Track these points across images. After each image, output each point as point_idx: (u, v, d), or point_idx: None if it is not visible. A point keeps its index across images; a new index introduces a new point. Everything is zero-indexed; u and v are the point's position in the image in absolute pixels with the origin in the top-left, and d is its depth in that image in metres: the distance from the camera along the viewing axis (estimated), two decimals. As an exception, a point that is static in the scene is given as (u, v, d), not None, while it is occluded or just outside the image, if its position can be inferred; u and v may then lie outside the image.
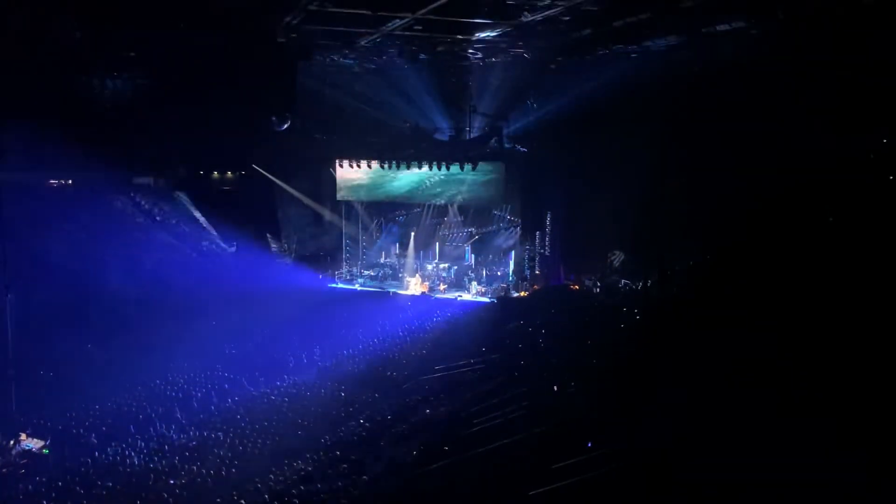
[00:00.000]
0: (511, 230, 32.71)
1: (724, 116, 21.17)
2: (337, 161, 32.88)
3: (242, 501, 12.72)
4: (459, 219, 33.79)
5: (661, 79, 24.08)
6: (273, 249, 33.09)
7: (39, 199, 26.09)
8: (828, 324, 10.68)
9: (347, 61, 27.68)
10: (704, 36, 20.83)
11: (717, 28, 19.99)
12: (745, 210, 18.32)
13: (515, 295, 29.94)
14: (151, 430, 16.15)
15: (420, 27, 21.25)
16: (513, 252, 32.66)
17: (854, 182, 14.25)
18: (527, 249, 31.06)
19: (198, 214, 31.64)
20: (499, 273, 32.68)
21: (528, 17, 19.66)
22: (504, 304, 28.51)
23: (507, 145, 30.70)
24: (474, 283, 31.31)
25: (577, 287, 29.10)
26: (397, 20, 20.25)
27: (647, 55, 23.82)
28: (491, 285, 31.30)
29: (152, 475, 13.88)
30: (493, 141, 30.64)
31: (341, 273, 33.39)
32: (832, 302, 10.97)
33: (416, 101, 30.24)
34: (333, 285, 32.38)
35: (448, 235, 34.15)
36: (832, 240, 13.02)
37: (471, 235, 33.68)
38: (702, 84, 22.81)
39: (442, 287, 31.52)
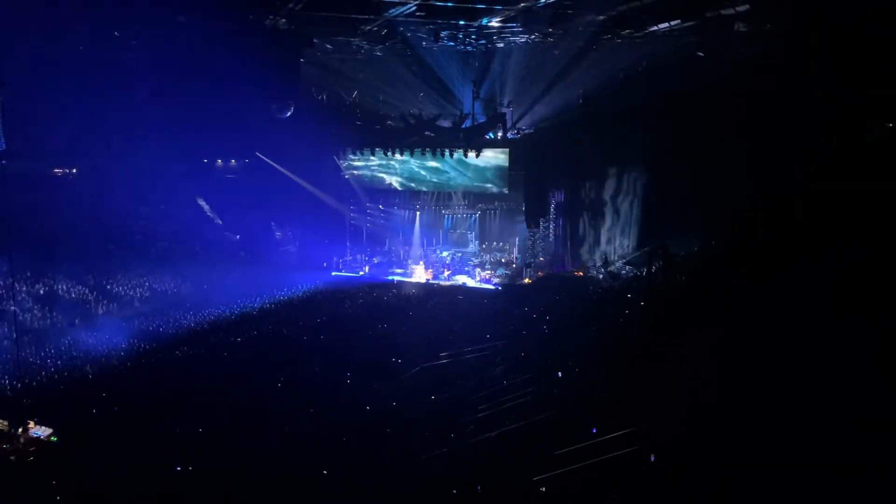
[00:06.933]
0: (515, 210, 32.85)
1: (729, 103, 21.07)
2: (341, 148, 32.91)
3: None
4: (464, 203, 33.88)
5: (666, 65, 23.99)
6: (278, 237, 33.17)
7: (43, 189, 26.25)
8: (831, 312, 10.67)
9: (350, 48, 27.58)
10: (709, 21, 20.73)
11: (722, 13, 19.90)
12: (750, 197, 18.27)
13: (520, 282, 29.95)
14: (159, 418, 16.22)
15: (423, 13, 21.16)
16: (517, 239, 32.70)
17: (858, 170, 14.19)
18: (531, 236, 31.05)
19: (202, 202, 31.68)
20: (503, 260, 32.71)
21: (531, 3, 19.59)
22: (509, 291, 28.53)
23: (511, 132, 30.63)
24: (478, 270, 31.33)
25: (581, 274, 29.13)
26: (400, 6, 20.17)
27: (652, 41, 23.71)
28: (496, 271, 31.31)
29: (159, 464, 13.97)
30: (497, 128, 30.58)
31: (346, 260, 33.41)
32: (836, 290, 10.95)
33: (420, 88, 30.16)
34: (337, 273, 32.39)
35: (452, 218, 34.29)
36: (837, 228, 12.97)
37: (471, 215, 33.89)
38: (707, 71, 22.71)
39: (446, 273, 31.52)
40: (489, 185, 31.64)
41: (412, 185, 33.29)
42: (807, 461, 8.66)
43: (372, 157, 32.64)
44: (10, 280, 20.05)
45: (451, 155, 30.74)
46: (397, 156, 31.78)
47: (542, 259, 31.22)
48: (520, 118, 30.41)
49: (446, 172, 31.98)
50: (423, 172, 32.52)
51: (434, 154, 31.02)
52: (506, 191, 31.92)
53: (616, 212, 29.02)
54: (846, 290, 10.77)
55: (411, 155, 31.51)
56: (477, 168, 31.18)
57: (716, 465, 9.71)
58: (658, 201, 26.60)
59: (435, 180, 32.56)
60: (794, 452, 8.91)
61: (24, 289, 22.76)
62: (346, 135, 32.10)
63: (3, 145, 17.29)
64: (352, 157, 33.15)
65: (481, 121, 30.50)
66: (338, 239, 34.04)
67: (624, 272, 27.64)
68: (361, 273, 32.36)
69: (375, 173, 33.41)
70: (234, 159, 32.84)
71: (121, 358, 19.64)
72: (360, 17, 21.95)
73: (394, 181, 33.40)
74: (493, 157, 30.74)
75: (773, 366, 10.77)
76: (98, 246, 25.98)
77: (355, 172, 33.62)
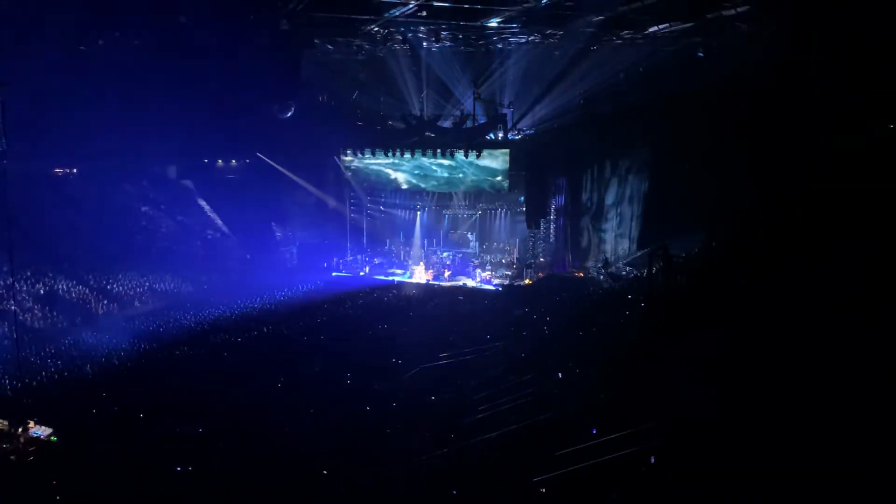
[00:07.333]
0: (515, 211, 32.80)
1: (729, 104, 21.05)
2: (342, 149, 32.89)
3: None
4: (464, 203, 33.88)
5: (666, 66, 23.98)
6: (278, 237, 33.19)
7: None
8: (831, 312, 10.65)
9: (351, 49, 27.58)
10: (709, 21, 20.73)
11: (723, 13, 19.90)
12: (750, 197, 18.26)
13: (520, 282, 29.95)
14: (159, 418, 16.21)
15: (424, 13, 21.16)
16: (518, 239, 32.70)
17: (858, 170, 14.18)
18: (531, 237, 31.05)
19: (203, 203, 31.69)
20: (503, 261, 32.70)
21: (531, 4, 19.58)
22: (509, 291, 28.51)
23: (511, 133, 30.63)
24: (479, 271, 31.33)
25: (581, 274, 29.11)
26: (400, 6, 20.18)
27: (652, 42, 23.72)
28: (496, 272, 31.31)
29: (159, 464, 13.96)
30: (498, 128, 30.57)
31: (346, 261, 33.39)
32: (836, 290, 10.94)
33: (421, 88, 30.15)
34: (338, 273, 32.38)
35: (452, 218, 34.29)
36: (837, 228, 12.97)
37: (471, 216, 33.86)
38: (707, 71, 22.68)
39: (446, 274, 31.52)
40: (499, 179, 31.48)
41: (421, 183, 33.22)
42: (807, 462, 8.65)
43: (373, 157, 32.55)
44: (11, 280, 20.07)
45: (452, 155, 30.72)
46: (398, 156, 31.68)
47: (542, 260, 31.22)
48: (520, 119, 30.40)
49: (457, 167, 31.81)
50: (434, 168, 32.41)
51: (435, 154, 30.99)
52: (506, 191, 31.88)
53: (616, 212, 29.03)
54: (846, 290, 10.76)
55: (412, 155, 31.47)
56: (487, 166, 31.11)
57: (716, 466, 9.70)
58: (658, 202, 26.60)
59: (446, 175, 32.42)
60: (794, 453, 8.90)
61: (25, 289, 22.76)
62: (346, 135, 32.09)
63: (4, 145, 17.26)
64: (353, 157, 33.06)
65: (482, 121, 30.51)
66: (338, 239, 34.05)
67: (624, 273, 27.62)
68: (362, 273, 32.36)
69: (383, 168, 33.30)
70: (234, 159, 32.83)
71: (121, 358, 19.63)
72: (360, 17, 21.96)
73: (400, 177, 33.31)
74: (494, 158, 30.68)
75: (774, 366, 10.76)
76: (98, 246, 25.97)
77: (361, 166, 33.50)
